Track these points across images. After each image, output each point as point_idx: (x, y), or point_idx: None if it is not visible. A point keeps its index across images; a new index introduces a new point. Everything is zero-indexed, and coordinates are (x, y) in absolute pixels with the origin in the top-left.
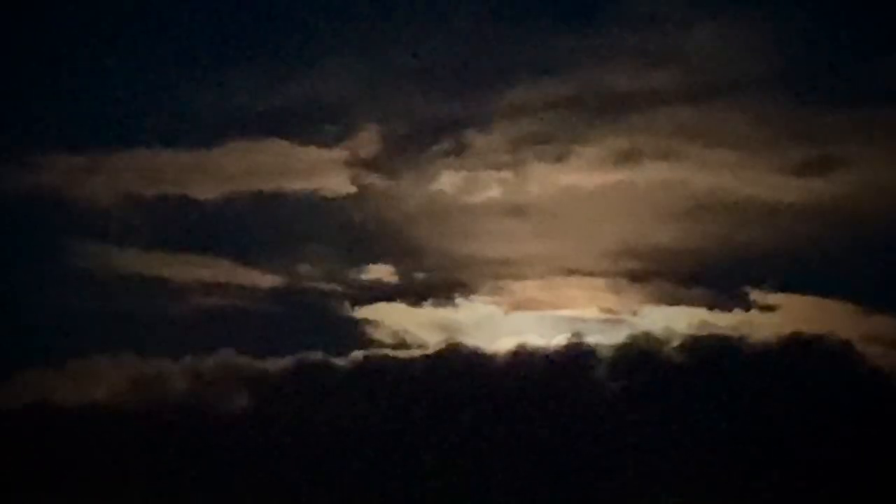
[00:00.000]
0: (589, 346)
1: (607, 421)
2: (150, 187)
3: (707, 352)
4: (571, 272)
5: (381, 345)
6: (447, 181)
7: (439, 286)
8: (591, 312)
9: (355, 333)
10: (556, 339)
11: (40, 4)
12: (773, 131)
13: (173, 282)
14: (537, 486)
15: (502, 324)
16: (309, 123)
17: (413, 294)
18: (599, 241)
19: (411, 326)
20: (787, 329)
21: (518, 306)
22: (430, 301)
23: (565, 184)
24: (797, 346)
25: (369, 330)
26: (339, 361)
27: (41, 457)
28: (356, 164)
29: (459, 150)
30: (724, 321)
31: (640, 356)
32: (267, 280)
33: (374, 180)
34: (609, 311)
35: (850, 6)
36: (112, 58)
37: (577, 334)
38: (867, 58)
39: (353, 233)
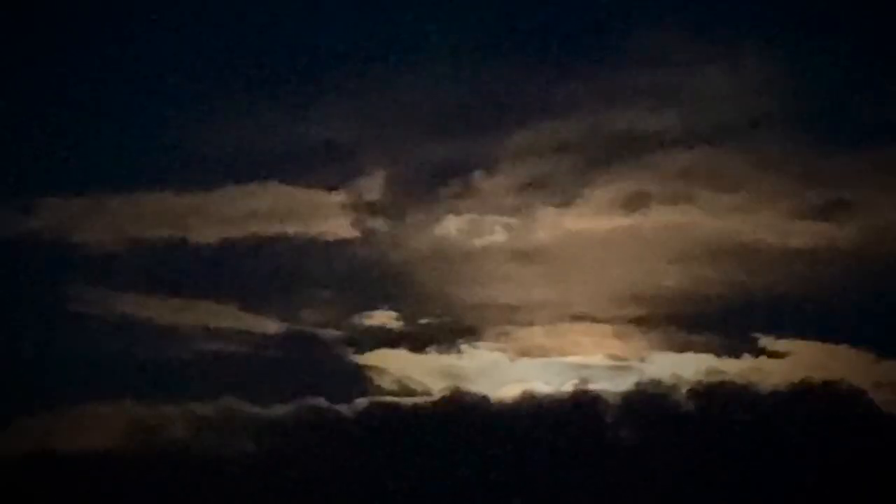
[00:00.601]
0: (596, 393)
1: (615, 469)
2: (150, 231)
3: (716, 399)
4: (578, 318)
5: (385, 392)
6: (452, 225)
7: (444, 332)
8: (598, 359)
9: (358, 380)
10: (563, 387)
11: (39, 46)
12: (783, 174)
13: (174, 327)
14: None
15: (508, 370)
16: (310, 166)
17: (417, 340)
18: (606, 286)
19: (415, 373)
20: (798, 376)
21: (524, 353)
22: (434, 347)
23: (572, 228)
24: (808, 394)
25: (372, 376)
26: (342, 408)
27: None
28: (358, 207)
29: (464, 194)
30: (733, 368)
31: (647, 403)
32: (268, 325)
33: (377, 224)
34: (616, 357)
35: (860, 46)
36: (111, 100)
37: (583, 381)
38: (877, 99)
39: (355, 278)
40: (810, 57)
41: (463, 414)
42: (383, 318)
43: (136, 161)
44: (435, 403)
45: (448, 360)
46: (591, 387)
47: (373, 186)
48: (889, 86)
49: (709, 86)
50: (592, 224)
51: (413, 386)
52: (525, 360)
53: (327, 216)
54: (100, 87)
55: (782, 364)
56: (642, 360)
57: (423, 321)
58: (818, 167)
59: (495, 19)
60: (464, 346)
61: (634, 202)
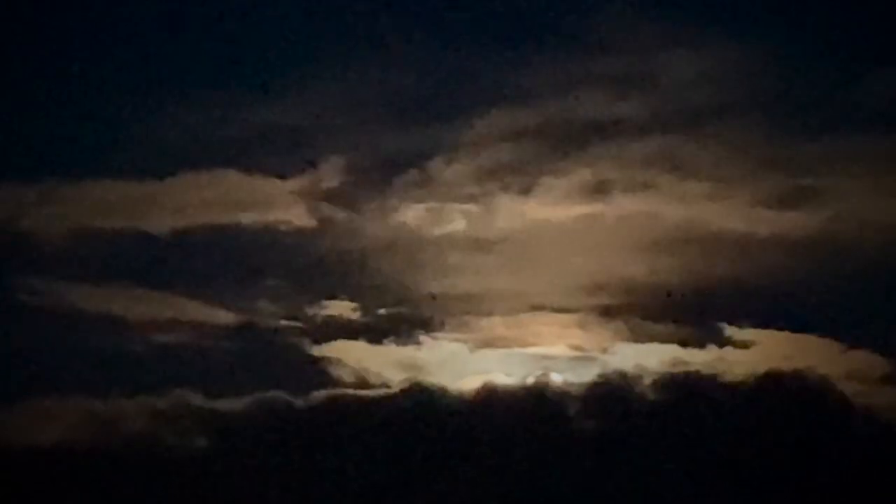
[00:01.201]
0: (558, 384)
1: (577, 462)
2: (102, 220)
3: (680, 390)
4: (539, 308)
5: (342, 384)
6: (411, 214)
7: (402, 323)
8: (560, 350)
9: (315, 372)
10: (524, 378)
11: None
12: (748, 161)
13: (126, 318)
14: None
15: (467, 362)
16: (266, 153)
17: (375, 331)
18: (568, 275)
19: (373, 365)
20: (763, 366)
21: (484, 344)
22: (392, 338)
23: (533, 216)
24: (774, 384)
25: (330, 368)
26: (299, 401)
27: None
28: (316, 195)
29: (423, 182)
30: (698, 358)
31: (610, 395)
32: (223, 316)
33: (335, 212)
34: (578, 348)
35: (827, 32)
36: (62, 87)
37: (545, 373)
38: (844, 86)
39: (312, 267)
40: (777, 41)
41: (422, 406)
42: (340, 308)
43: (86, 148)
44: (393, 396)
45: (407, 351)
46: (553, 378)
47: (330, 174)
48: (858, 71)
49: (672, 71)
50: (554, 212)
51: (371, 378)
52: (485, 352)
53: (283, 204)
54: (49, 72)
55: (748, 354)
56: (605, 350)
57: (382, 312)
58: (785, 154)
59: (453, 2)
60: (423, 338)
61: (596, 190)
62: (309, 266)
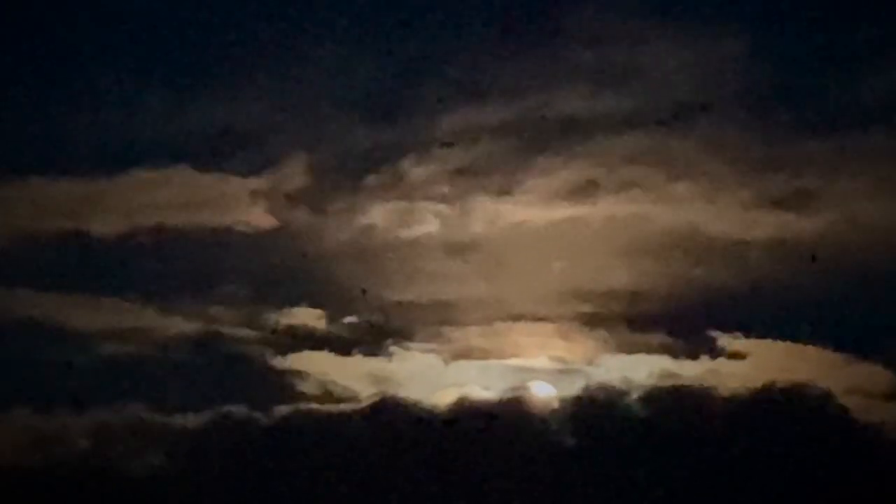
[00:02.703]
0: (538, 399)
1: (559, 483)
2: (46, 222)
3: (670, 404)
4: (518, 317)
5: (307, 398)
6: (380, 215)
7: (371, 332)
8: (541, 362)
9: (278, 385)
10: (502, 392)
11: None
12: (742, 160)
13: (72, 327)
14: None
15: (442, 374)
16: (223, 150)
17: (342, 341)
18: (549, 282)
19: (340, 377)
20: (759, 379)
21: (459, 355)
22: (360, 349)
23: (511, 219)
24: (770, 398)
25: (293, 381)
26: (260, 417)
27: None
28: (277, 195)
29: (393, 181)
30: (689, 370)
31: (595, 410)
32: (177, 325)
33: (298, 214)
34: (561, 360)
35: (826, 24)
36: (1, 78)
37: (525, 386)
38: (844, 81)
39: (273, 272)
40: (771, 31)
41: (393, 422)
42: (304, 316)
43: (29, 145)
44: (362, 411)
45: (376, 363)
46: (534, 392)
47: (292, 173)
48: (858, 65)
49: (659, 64)
50: (534, 214)
51: (338, 392)
52: (461, 363)
53: (242, 205)
54: None
55: (743, 366)
56: (589, 362)
57: (349, 320)
58: (781, 152)
59: None
60: (393, 348)
61: (579, 191)
62: (270, 271)
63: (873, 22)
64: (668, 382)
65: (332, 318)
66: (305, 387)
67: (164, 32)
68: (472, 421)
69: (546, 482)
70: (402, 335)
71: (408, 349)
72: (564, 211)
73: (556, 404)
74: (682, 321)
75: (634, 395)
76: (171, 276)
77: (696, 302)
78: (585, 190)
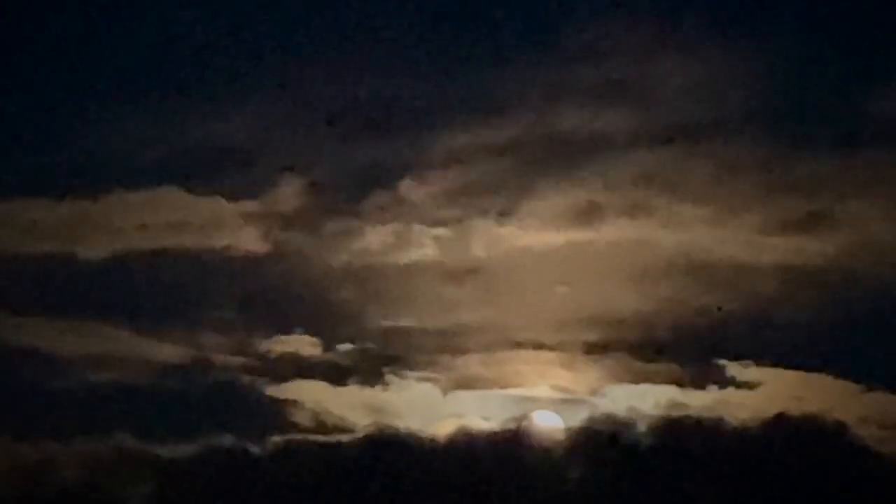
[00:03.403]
0: (541, 430)
1: None
2: (30, 243)
3: (677, 436)
4: (520, 345)
5: (301, 429)
6: (376, 239)
7: (367, 361)
8: (544, 391)
9: (270, 415)
10: (503, 423)
11: None
12: (751, 182)
13: (58, 354)
14: None
15: (440, 404)
16: (215, 171)
17: (336, 369)
18: (552, 309)
19: (335, 407)
20: (771, 409)
21: (458, 384)
22: (356, 378)
23: (513, 242)
24: (782, 429)
25: (287, 411)
26: (252, 447)
27: None
28: (270, 218)
29: (391, 204)
30: (698, 400)
31: (599, 441)
32: (166, 352)
33: (292, 237)
34: (564, 389)
35: (838, 39)
36: None
37: (526, 416)
38: (858, 97)
39: (265, 297)
40: (783, 47)
41: (390, 453)
42: (298, 343)
43: (13, 164)
44: (358, 441)
45: (372, 392)
46: (536, 423)
47: (286, 194)
48: (874, 83)
49: (668, 81)
50: (536, 238)
51: (333, 422)
52: (460, 393)
53: (234, 228)
54: None
55: (754, 396)
56: (593, 392)
57: (344, 348)
58: (792, 173)
59: (424, 6)
60: (390, 377)
61: (584, 213)
62: (262, 296)
63: (885, 41)
64: (676, 413)
65: (327, 346)
66: (299, 416)
67: (153, 51)
68: (471, 451)
69: None
70: (399, 364)
71: (405, 378)
72: (567, 234)
73: (558, 435)
74: (689, 349)
75: (641, 426)
76: (159, 301)
77: (704, 329)
78: (589, 213)
